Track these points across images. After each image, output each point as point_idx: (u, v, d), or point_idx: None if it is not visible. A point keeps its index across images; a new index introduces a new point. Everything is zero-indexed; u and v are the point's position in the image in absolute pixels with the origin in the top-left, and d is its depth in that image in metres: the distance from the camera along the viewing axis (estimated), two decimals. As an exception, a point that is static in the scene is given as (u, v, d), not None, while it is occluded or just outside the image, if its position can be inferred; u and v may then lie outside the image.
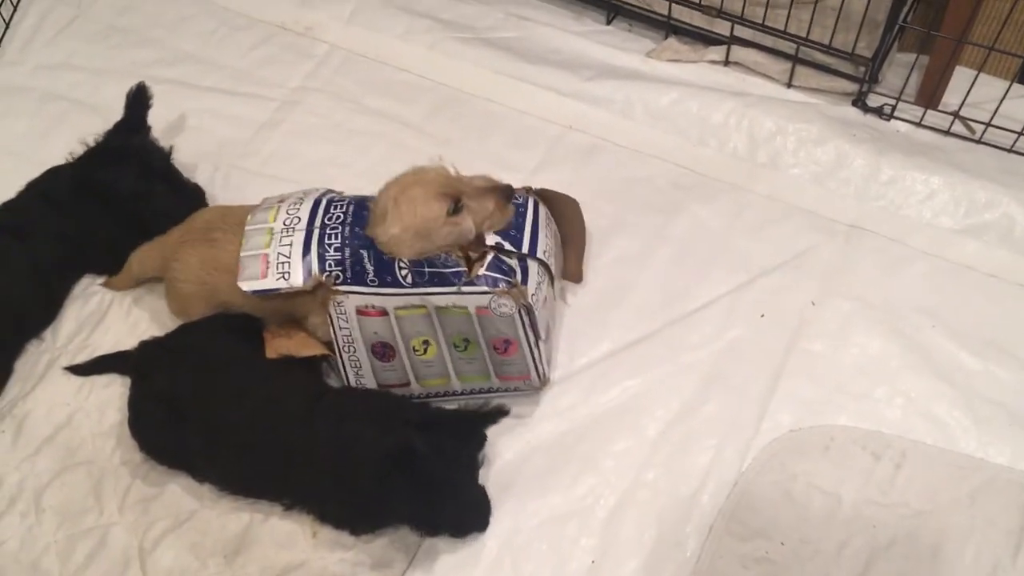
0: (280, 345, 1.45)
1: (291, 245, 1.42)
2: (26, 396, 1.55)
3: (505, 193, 1.42)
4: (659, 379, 1.54)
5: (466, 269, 1.39)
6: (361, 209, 1.45)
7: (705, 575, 1.37)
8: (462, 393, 1.50)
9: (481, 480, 1.40)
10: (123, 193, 1.62)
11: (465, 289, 1.38)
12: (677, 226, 1.72)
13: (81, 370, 1.58)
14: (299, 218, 1.45)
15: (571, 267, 1.61)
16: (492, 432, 1.48)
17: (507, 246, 1.42)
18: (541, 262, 1.45)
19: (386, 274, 1.39)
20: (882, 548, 1.38)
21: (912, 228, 1.71)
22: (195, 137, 1.86)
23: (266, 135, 1.88)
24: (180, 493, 1.47)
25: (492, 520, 1.41)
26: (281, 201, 1.50)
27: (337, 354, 1.45)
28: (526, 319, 1.40)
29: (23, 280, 1.59)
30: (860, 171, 1.76)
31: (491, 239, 1.43)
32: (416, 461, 1.29)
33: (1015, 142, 1.77)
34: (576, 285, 1.64)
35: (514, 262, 1.41)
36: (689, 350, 1.57)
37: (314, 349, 1.46)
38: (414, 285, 1.39)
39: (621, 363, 1.56)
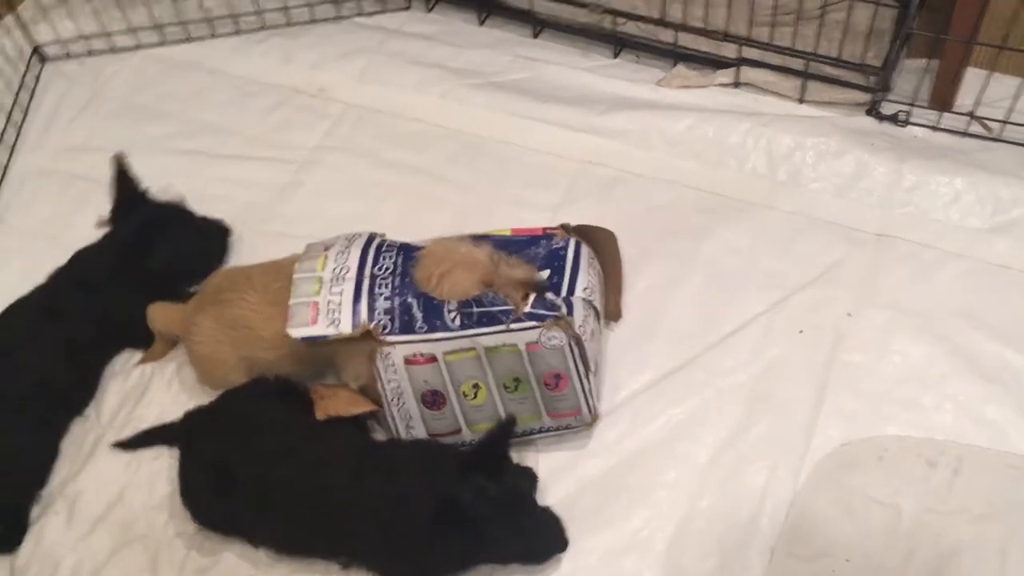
0: (328, 406, 1.46)
1: (342, 293, 1.44)
2: (76, 476, 1.56)
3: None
4: (703, 405, 1.54)
5: (513, 307, 1.40)
6: (408, 259, 1.48)
7: (772, 599, 1.36)
8: (513, 435, 1.49)
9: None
10: (160, 266, 1.65)
11: (514, 326, 1.39)
12: (705, 250, 1.72)
13: (128, 445, 1.58)
14: (348, 267, 1.47)
15: (611, 306, 1.62)
16: (542, 472, 1.48)
17: (548, 296, 1.44)
18: (584, 300, 1.47)
19: (435, 319, 1.41)
20: (948, 557, 1.36)
21: (940, 231, 1.71)
22: (219, 205, 1.87)
23: (289, 197, 1.90)
24: (236, 560, 1.46)
25: (549, 562, 1.40)
26: (327, 249, 1.52)
27: (386, 408, 1.45)
28: (576, 350, 1.41)
29: (59, 359, 1.60)
30: (882, 179, 1.76)
31: None
32: (463, 510, 1.28)
33: (1033, 137, 1.77)
34: (610, 322, 1.64)
35: (558, 299, 1.43)
36: (730, 373, 1.57)
37: (363, 406, 1.47)
38: (463, 327, 1.40)
39: (664, 392, 1.56)
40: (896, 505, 1.42)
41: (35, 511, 1.53)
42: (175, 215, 1.73)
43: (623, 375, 1.58)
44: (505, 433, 1.35)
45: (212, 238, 1.77)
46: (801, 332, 1.60)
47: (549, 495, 1.46)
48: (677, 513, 1.44)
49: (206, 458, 1.45)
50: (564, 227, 1.56)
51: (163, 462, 1.57)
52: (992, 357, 1.55)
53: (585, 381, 1.44)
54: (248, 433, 1.45)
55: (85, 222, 1.79)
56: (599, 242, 1.59)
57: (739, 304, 1.64)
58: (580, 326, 1.42)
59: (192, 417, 1.52)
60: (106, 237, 1.70)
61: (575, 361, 1.42)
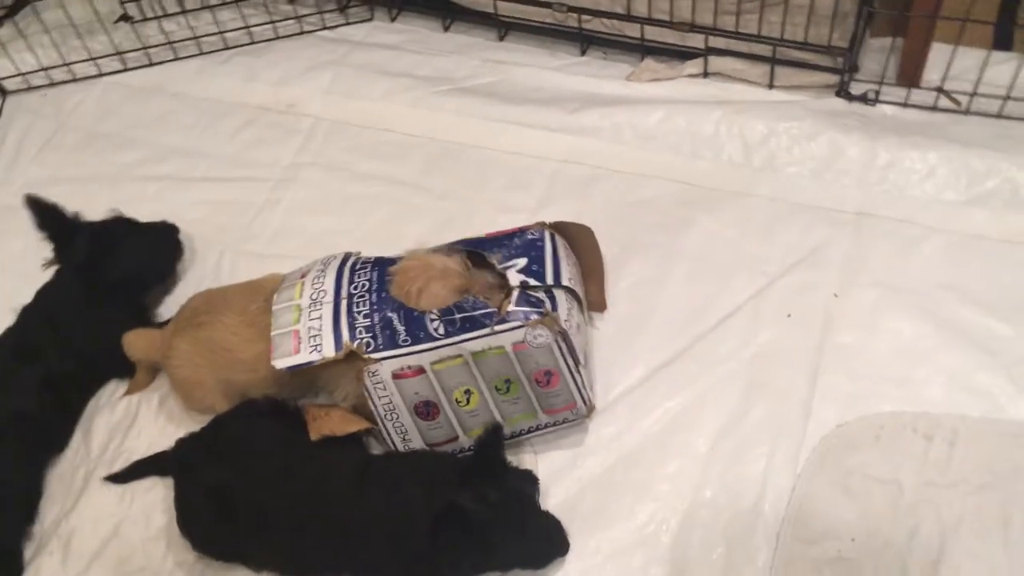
0: (323, 426, 1.44)
1: (320, 319, 1.43)
2: (68, 514, 1.53)
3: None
4: (698, 395, 1.54)
5: (496, 309, 1.39)
6: (384, 274, 1.46)
7: (781, 584, 1.36)
8: (510, 436, 1.48)
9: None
10: (119, 276, 1.65)
11: (498, 328, 1.38)
12: (688, 241, 1.72)
13: (120, 478, 1.56)
14: (324, 291, 1.46)
15: (593, 297, 1.61)
16: (541, 474, 1.48)
17: (532, 282, 1.43)
18: (568, 289, 1.46)
19: (418, 330, 1.39)
20: (951, 528, 1.37)
21: (918, 207, 1.72)
22: (196, 228, 1.86)
23: (266, 216, 1.88)
24: (240, 587, 1.45)
25: (555, 564, 1.39)
26: (303, 276, 1.51)
27: (380, 424, 1.44)
28: (563, 345, 1.40)
29: (39, 398, 1.58)
30: (857, 159, 1.77)
31: (514, 278, 1.43)
32: (465, 517, 1.27)
33: (1002, 107, 1.79)
34: (599, 315, 1.63)
35: (541, 294, 1.42)
36: (722, 362, 1.57)
37: (357, 425, 1.45)
38: (447, 335, 1.39)
39: (658, 386, 1.55)
40: (896, 481, 1.42)
41: (28, 553, 1.50)
42: (115, 225, 1.71)
43: (616, 372, 1.57)
44: (495, 438, 1.33)
45: (160, 236, 1.76)
46: (789, 316, 1.61)
47: (550, 497, 1.46)
48: (680, 506, 1.44)
49: (202, 485, 1.42)
50: (541, 224, 1.56)
51: (157, 493, 1.54)
52: (979, 327, 1.56)
53: (576, 374, 1.43)
54: (243, 456, 1.44)
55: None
56: (575, 236, 1.60)
57: (726, 292, 1.64)
58: (565, 320, 1.41)
59: (184, 444, 1.50)
60: (59, 271, 1.69)
61: (564, 356, 1.41)
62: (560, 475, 1.48)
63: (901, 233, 1.69)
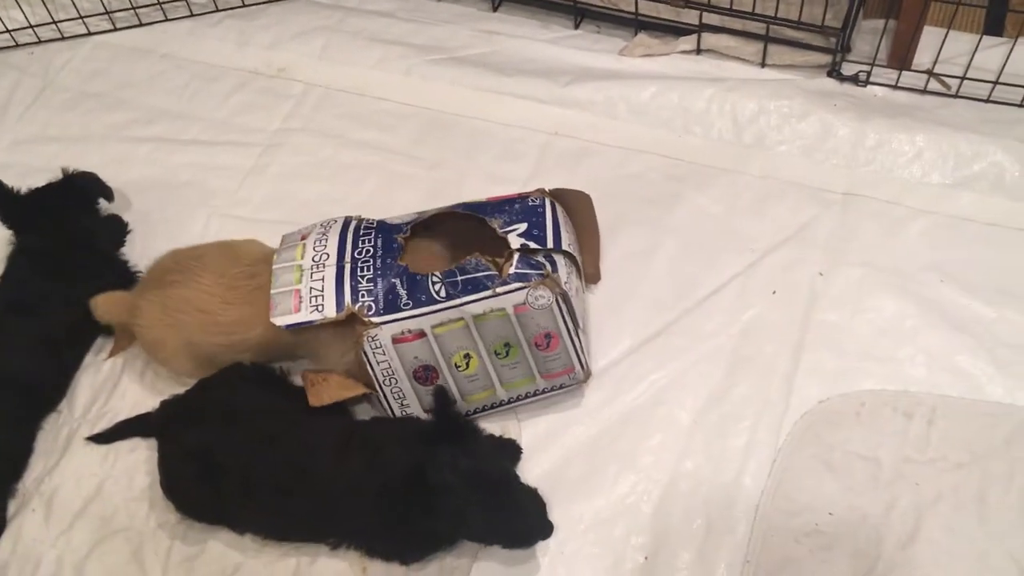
0: (323, 392, 1.44)
1: (323, 280, 1.43)
2: (51, 472, 1.53)
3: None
4: (684, 369, 1.55)
5: (497, 272, 1.40)
6: (390, 240, 1.47)
7: (759, 555, 1.37)
8: (509, 402, 1.50)
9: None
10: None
11: (500, 290, 1.39)
12: (677, 217, 1.73)
13: (103, 438, 1.56)
14: (327, 254, 1.46)
15: (589, 268, 1.62)
16: (526, 443, 1.49)
17: (532, 245, 1.44)
18: (567, 254, 1.47)
19: (420, 294, 1.40)
20: (929, 504, 1.39)
21: (905, 188, 1.73)
22: (184, 192, 1.86)
23: (255, 181, 1.87)
24: (223, 548, 1.45)
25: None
26: (304, 238, 1.51)
27: (378, 389, 1.44)
28: (563, 306, 1.41)
29: (33, 355, 1.58)
30: (846, 139, 1.78)
31: (515, 241, 1.44)
32: (433, 481, 1.26)
33: (991, 92, 1.80)
34: (589, 285, 1.64)
35: (541, 257, 1.43)
36: (709, 336, 1.58)
37: (356, 389, 1.46)
38: (449, 297, 1.39)
39: (644, 358, 1.56)
40: (876, 457, 1.44)
41: (11, 510, 1.50)
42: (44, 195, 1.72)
43: (603, 343, 1.58)
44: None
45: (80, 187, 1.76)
46: (775, 293, 1.62)
47: (534, 465, 1.47)
48: (663, 477, 1.45)
49: (187, 447, 1.42)
50: (541, 191, 1.56)
51: (140, 454, 1.54)
52: (961, 309, 1.58)
53: (575, 337, 1.44)
54: (228, 420, 1.43)
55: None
56: (574, 204, 1.60)
57: (714, 268, 1.66)
58: (566, 282, 1.43)
59: (169, 407, 1.50)
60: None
61: (564, 318, 1.42)
62: (545, 443, 1.50)
63: (888, 214, 1.70)
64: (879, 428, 1.47)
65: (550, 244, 1.45)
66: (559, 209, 1.54)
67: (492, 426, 1.50)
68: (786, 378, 1.53)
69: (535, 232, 1.46)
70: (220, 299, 1.49)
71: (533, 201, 1.52)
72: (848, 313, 1.59)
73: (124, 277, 1.69)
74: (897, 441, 1.45)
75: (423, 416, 1.49)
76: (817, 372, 1.53)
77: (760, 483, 1.44)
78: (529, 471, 1.46)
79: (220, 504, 1.42)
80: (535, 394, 1.50)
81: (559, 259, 1.45)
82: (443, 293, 1.40)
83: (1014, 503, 1.38)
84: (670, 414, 1.51)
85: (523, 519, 1.34)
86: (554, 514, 1.40)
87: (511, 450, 1.48)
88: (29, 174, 1.90)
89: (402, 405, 1.46)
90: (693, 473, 1.45)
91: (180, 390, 1.54)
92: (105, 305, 1.59)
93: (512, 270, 1.40)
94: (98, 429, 1.57)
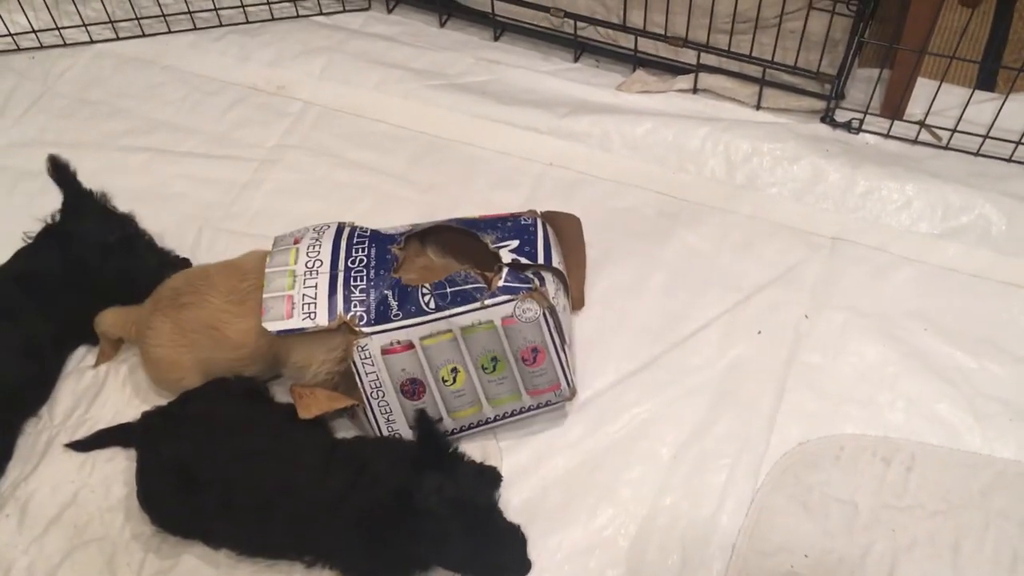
0: (311, 404, 1.44)
1: (316, 287, 1.44)
2: (28, 477, 1.52)
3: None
4: (666, 403, 1.56)
5: (486, 285, 1.42)
6: (383, 251, 1.49)
7: (734, 594, 1.38)
8: (494, 420, 1.50)
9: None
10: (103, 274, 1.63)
11: (489, 303, 1.40)
12: (667, 252, 1.75)
13: (82, 446, 1.55)
14: (320, 260, 1.47)
15: (573, 292, 1.63)
16: (506, 471, 1.49)
17: (523, 260, 1.45)
18: (556, 271, 1.49)
19: (410, 305, 1.42)
20: (904, 550, 1.40)
21: (893, 236, 1.75)
22: (177, 203, 1.86)
23: (249, 195, 1.88)
24: (196, 563, 1.44)
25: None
26: (296, 242, 1.52)
27: (365, 403, 1.45)
28: (551, 320, 1.42)
29: (17, 358, 1.56)
30: (836, 185, 1.80)
31: (506, 256, 1.46)
32: (418, 505, 1.26)
33: (981, 145, 1.83)
34: (575, 317, 1.65)
35: (530, 273, 1.45)
36: (692, 372, 1.59)
37: (344, 402, 1.46)
38: (438, 309, 1.41)
39: (627, 391, 1.57)
40: (853, 501, 1.45)
41: (-15, 514, 1.49)
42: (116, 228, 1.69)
43: (588, 374, 1.59)
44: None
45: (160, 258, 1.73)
46: (760, 333, 1.63)
47: (514, 493, 1.47)
48: (641, 511, 1.45)
49: (166, 460, 1.42)
50: (532, 212, 1.59)
51: (118, 464, 1.54)
52: (943, 357, 1.59)
53: (562, 353, 1.46)
54: (210, 434, 1.43)
55: (39, 218, 1.76)
56: (563, 227, 1.62)
57: (700, 305, 1.67)
58: (553, 297, 1.44)
59: (150, 418, 1.49)
60: (53, 237, 1.67)
61: (551, 332, 1.43)
62: (525, 472, 1.50)
63: (874, 260, 1.72)
64: (858, 472, 1.48)
65: (540, 261, 1.47)
66: (550, 230, 1.57)
67: (473, 450, 1.51)
68: (768, 418, 1.53)
69: (526, 249, 1.49)
70: (230, 314, 1.51)
71: (525, 220, 1.55)
72: (831, 356, 1.60)
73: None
74: (875, 486, 1.46)
75: (408, 433, 1.48)
76: (799, 413, 1.54)
77: (737, 521, 1.44)
78: (508, 499, 1.46)
79: (197, 518, 1.41)
80: (521, 411, 1.50)
81: (547, 275, 1.48)
82: (432, 305, 1.41)
83: (988, 554, 1.39)
84: (651, 448, 1.51)
85: (502, 553, 1.34)
86: (531, 543, 1.41)
87: (491, 477, 1.47)
88: (23, 177, 1.92)
89: (388, 420, 1.46)
90: (671, 508, 1.46)
91: (162, 401, 1.54)
92: (111, 319, 1.60)
93: (501, 283, 1.42)
94: (78, 436, 1.56)
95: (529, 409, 1.50)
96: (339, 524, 1.33)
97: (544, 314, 1.42)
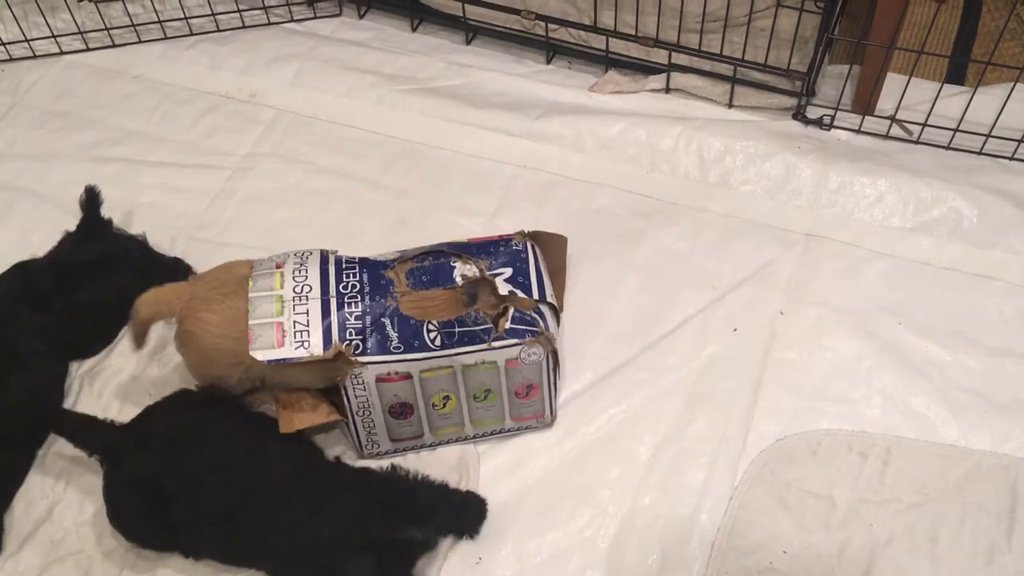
0: (295, 419, 1.42)
1: (307, 314, 1.40)
2: (1, 494, 1.51)
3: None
4: (643, 403, 1.55)
5: (493, 325, 1.41)
6: (377, 276, 1.46)
7: (713, 593, 1.38)
8: (473, 437, 1.51)
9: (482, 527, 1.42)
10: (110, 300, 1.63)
11: (495, 344, 1.40)
12: (641, 252, 1.75)
13: (63, 427, 1.51)
14: (309, 285, 1.43)
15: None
16: (484, 475, 1.49)
17: (519, 293, 1.45)
18: (551, 306, 1.49)
19: (413, 339, 1.39)
20: (881, 545, 1.40)
21: (866, 231, 1.76)
22: (149, 213, 1.85)
23: (222, 204, 1.87)
24: (173, 575, 1.43)
25: (494, 565, 1.40)
26: (279, 266, 1.46)
27: (350, 419, 1.44)
28: (551, 362, 1.43)
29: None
30: (809, 181, 1.81)
31: (503, 287, 1.45)
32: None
33: (951, 139, 1.84)
34: (550, 320, 1.65)
35: (532, 312, 1.44)
36: (669, 371, 1.59)
37: (329, 416, 1.44)
38: (443, 347, 1.39)
39: (604, 392, 1.57)
40: (830, 497, 1.45)
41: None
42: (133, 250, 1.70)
43: (565, 376, 1.58)
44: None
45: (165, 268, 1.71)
46: (736, 330, 1.63)
47: (492, 497, 1.46)
48: (620, 511, 1.45)
49: (132, 477, 1.39)
50: (522, 234, 1.58)
51: (91, 479, 1.51)
52: (917, 351, 1.60)
53: (553, 388, 1.47)
54: (174, 448, 1.40)
55: (11, 231, 1.78)
56: (549, 245, 1.61)
57: (676, 304, 1.67)
58: (554, 336, 1.45)
59: (112, 435, 1.45)
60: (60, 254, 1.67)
61: (549, 372, 1.44)
62: (504, 475, 1.49)
63: (848, 255, 1.72)
64: (835, 467, 1.48)
65: (535, 293, 1.47)
66: (538, 253, 1.56)
67: (451, 454, 1.51)
68: (744, 415, 1.54)
69: (520, 279, 1.48)
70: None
71: (516, 246, 1.53)
72: (807, 352, 1.60)
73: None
74: (852, 481, 1.47)
75: (388, 446, 1.48)
76: (775, 410, 1.54)
77: (716, 520, 1.44)
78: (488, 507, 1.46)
79: (169, 532, 1.39)
80: (500, 432, 1.51)
81: (545, 310, 1.47)
82: (438, 342, 1.39)
83: (965, 546, 1.40)
84: (629, 448, 1.51)
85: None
86: (509, 548, 1.43)
87: (476, 505, 1.44)
88: (-8, 191, 1.90)
89: (370, 434, 1.46)
90: (650, 508, 1.46)
91: (136, 410, 1.51)
92: (152, 302, 1.47)
93: (508, 324, 1.41)
94: (52, 447, 1.54)
95: (508, 430, 1.51)
96: (294, 550, 1.31)
97: (547, 357, 1.42)
